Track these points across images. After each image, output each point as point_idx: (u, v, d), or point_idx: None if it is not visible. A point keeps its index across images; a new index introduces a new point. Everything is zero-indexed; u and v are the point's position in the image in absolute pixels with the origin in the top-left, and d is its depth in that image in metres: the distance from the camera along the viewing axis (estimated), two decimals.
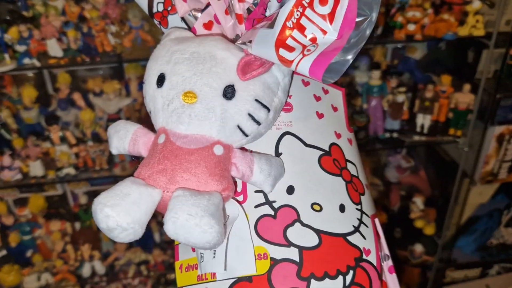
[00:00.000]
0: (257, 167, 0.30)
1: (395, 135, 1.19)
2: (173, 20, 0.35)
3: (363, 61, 1.16)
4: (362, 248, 0.33)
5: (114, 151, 0.33)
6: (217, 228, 0.26)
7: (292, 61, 0.28)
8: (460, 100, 1.16)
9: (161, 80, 0.31)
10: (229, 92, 0.29)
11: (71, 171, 1.10)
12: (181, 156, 0.29)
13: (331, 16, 0.28)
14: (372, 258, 0.33)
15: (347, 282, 0.31)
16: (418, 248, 1.41)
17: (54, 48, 0.97)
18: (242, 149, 0.32)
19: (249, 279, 0.29)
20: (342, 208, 0.33)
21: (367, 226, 0.34)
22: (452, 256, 1.53)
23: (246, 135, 0.31)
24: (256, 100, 0.30)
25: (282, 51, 0.28)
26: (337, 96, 0.38)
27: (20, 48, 0.97)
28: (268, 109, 0.31)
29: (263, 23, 0.29)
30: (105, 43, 0.98)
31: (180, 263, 0.32)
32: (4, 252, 1.24)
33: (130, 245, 1.30)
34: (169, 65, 0.30)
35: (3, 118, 1.06)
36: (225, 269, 0.29)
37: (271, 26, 0.28)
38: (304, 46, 0.28)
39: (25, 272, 1.24)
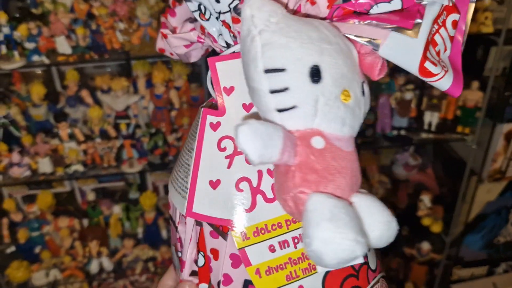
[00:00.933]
0: None
1: (402, 132, 1.19)
2: None
3: None
4: None
5: (257, 161, 0.25)
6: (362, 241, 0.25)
7: (435, 75, 0.28)
8: (468, 97, 1.15)
9: (317, 73, 0.26)
10: (363, 88, 0.28)
11: (79, 168, 1.11)
12: (349, 162, 0.27)
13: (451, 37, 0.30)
14: None
15: None
16: (425, 246, 1.41)
17: (63, 45, 0.98)
18: None
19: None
20: None
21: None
22: (459, 254, 1.52)
23: None
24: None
25: (428, 64, 0.28)
26: None
27: (29, 45, 0.98)
28: None
29: (369, 21, 0.28)
30: (114, 40, 0.99)
31: (255, 268, 0.30)
32: (13, 249, 1.25)
33: (138, 242, 1.31)
34: (323, 56, 0.26)
35: (12, 115, 1.07)
36: None
37: (398, 30, 0.27)
38: (438, 61, 0.29)
39: (34, 268, 1.25)
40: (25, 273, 1.24)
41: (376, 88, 1.16)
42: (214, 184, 0.30)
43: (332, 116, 0.26)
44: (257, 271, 0.30)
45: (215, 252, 0.31)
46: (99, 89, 1.14)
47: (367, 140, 1.18)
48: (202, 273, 0.32)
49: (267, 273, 0.29)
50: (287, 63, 0.26)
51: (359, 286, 0.31)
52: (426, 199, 1.34)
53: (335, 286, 0.30)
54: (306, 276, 0.29)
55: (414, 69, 0.28)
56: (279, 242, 0.30)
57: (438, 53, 0.29)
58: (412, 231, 1.38)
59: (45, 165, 1.09)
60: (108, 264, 1.27)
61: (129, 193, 1.30)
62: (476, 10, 1.03)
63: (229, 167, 0.30)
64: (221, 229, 0.30)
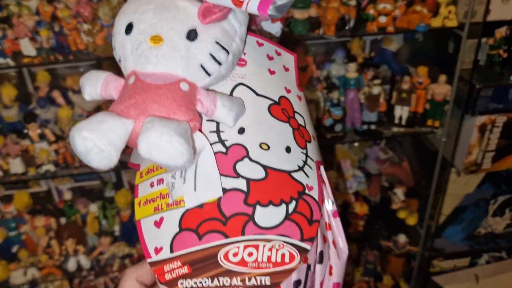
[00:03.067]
0: (220, 103, 0.34)
1: (372, 127, 1.20)
2: None
3: (340, 54, 1.17)
4: (305, 184, 0.36)
5: (88, 97, 0.35)
6: (186, 146, 0.30)
7: (242, 2, 0.32)
8: (436, 91, 1.16)
9: (129, 28, 0.34)
10: (192, 35, 0.33)
11: (51, 167, 1.12)
12: (151, 91, 0.32)
13: None
14: (314, 193, 0.36)
15: (290, 210, 0.34)
16: (402, 238, 1.42)
17: (28, 47, 0.99)
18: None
19: (200, 205, 0.33)
20: (288, 150, 0.37)
21: (311, 168, 0.37)
22: (439, 246, 1.54)
23: (209, 75, 0.34)
24: (217, 42, 0.34)
25: None
26: (289, 59, 0.42)
27: None
28: (228, 52, 0.35)
29: None
30: (78, 41, 1.00)
31: (139, 200, 0.36)
32: None
33: (115, 240, 1.32)
34: (136, 14, 0.34)
35: None
36: (195, 190, 0.33)
37: None
38: None
39: (12, 267, 1.27)
40: (3, 272, 1.26)
41: (344, 84, 1.17)
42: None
43: (140, 58, 0.33)
44: (139, 203, 0.35)
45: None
46: (71, 90, 1.15)
47: (337, 135, 1.19)
48: None
49: (144, 204, 0.35)
50: (116, 27, 0.35)
51: (223, 232, 0.32)
52: (399, 192, 1.35)
53: (192, 224, 0.33)
54: (168, 210, 0.33)
55: (229, 3, 0.33)
56: (157, 179, 0.35)
57: None
58: (388, 224, 1.39)
59: (16, 166, 1.10)
60: (85, 261, 1.29)
61: (104, 192, 1.32)
62: (440, 4, 1.04)
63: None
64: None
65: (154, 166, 0.36)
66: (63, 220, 1.30)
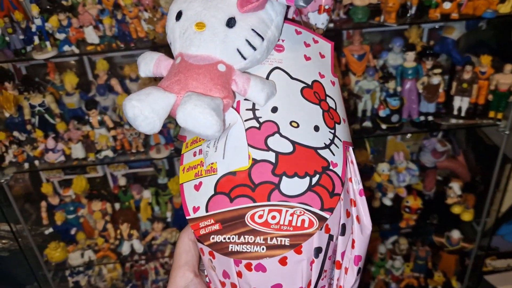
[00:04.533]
0: (253, 83, 0.38)
1: (430, 118, 1.16)
2: None
3: (397, 42, 1.13)
4: (330, 161, 0.39)
5: (142, 74, 0.40)
6: (216, 119, 0.34)
7: None
8: (501, 81, 1.11)
9: (179, 15, 0.38)
10: (231, 22, 0.37)
11: (109, 153, 1.15)
12: (192, 70, 0.37)
13: None
14: (338, 170, 0.39)
15: (313, 182, 0.38)
16: (456, 234, 1.38)
17: (91, 35, 1.02)
18: None
19: (233, 173, 0.37)
20: (316, 128, 0.40)
21: (337, 147, 0.40)
22: (493, 244, 1.48)
23: (245, 58, 0.38)
24: (253, 30, 0.38)
25: None
26: (326, 47, 0.45)
27: (60, 36, 1.02)
28: (262, 38, 0.38)
29: None
30: (139, 29, 1.01)
31: (183, 167, 0.41)
32: (51, 230, 1.32)
33: (167, 226, 1.35)
34: (185, 3, 0.38)
35: (47, 103, 1.12)
36: (224, 158, 0.37)
37: None
38: None
39: (70, 249, 1.32)
40: (62, 253, 1.31)
41: (402, 73, 1.14)
42: None
43: (186, 41, 0.37)
44: (183, 169, 0.41)
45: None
46: (128, 78, 1.18)
47: (394, 125, 1.16)
48: None
49: (187, 170, 0.40)
50: (170, 14, 0.40)
51: (251, 196, 0.37)
52: (455, 187, 1.30)
53: (225, 189, 0.37)
54: (206, 176, 0.38)
55: None
56: (199, 149, 0.40)
57: None
58: (442, 219, 1.34)
59: (77, 151, 1.14)
60: (138, 246, 1.32)
61: (158, 179, 1.34)
62: None
63: None
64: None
65: (197, 137, 0.40)
66: (117, 206, 1.34)
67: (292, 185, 0.37)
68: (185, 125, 0.34)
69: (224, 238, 0.37)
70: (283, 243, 0.36)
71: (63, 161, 1.15)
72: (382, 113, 1.15)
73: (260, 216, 0.36)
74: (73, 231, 1.33)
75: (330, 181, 0.38)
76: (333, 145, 0.40)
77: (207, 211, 0.37)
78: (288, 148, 0.38)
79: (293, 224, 0.36)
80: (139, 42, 1.03)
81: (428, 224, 1.35)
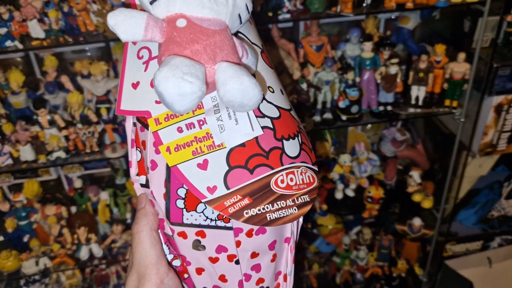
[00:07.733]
0: (248, 49, 0.38)
1: (389, 108, 1.17)
2: None
3: (355, 33, 1.13)
4: (298, 120, 0.43)
5: (124, 38, 0.34)
6: (260, 88, 0.34)
7: None
8: (455, 69, 1.13)
9: None
10: None
11: (61, 154, 1.09)
12: (215, 36, 0.35)
13: None
14: (302, 126, 0.43)
15: (300, 141, 0.41)
16: (417, 222, 1.40)
17: (36, 29, 0.95)
18: None
19: (243, 145, 0.37)
20: (282, 92, 0.42)
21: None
22: (452, 230, 1.52)
23: (241, 23, 0.38)
24: None
25: None
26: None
27: (1, 31, 0.95)
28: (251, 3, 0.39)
29: None
30: (88, 22, 0.96)
31: (166, 146, 0.36)
32: (1, 238, 1.24)
33: (127, 227, 1.30)
34: None
35: None
36: (253, 129, 0.36)
37: None
38: None
39: (23, 257, 1.25)
40: (14, 262, 1.24)
41: (360, 64, 1.14)
42: (135, 85, 0.38)
43: (193, 1, 0.35)
44: (168, 149, 0.36)
45: (143, 144, 0.39)
46: (79, 74, 1.12)
47: (353, 116, 1.16)
48: (140, 166, 0.40)
49: (176, 149, 0.36)
50: None
51: (268, 164, 0.37)
52: (415, 175, 1.33)
53: (240, 162, 0.36)
54: (211, 152, 0.36)
55: None
56: (186, 124, 0.36)
57: None
58: (403, 207, 1.37)
59: (26, 153, 1.07)
60: (97, 250, 1.27)
61: (116, 179, 1.29)
62: None
63: (145, 70, 0.38)
64: (146, 122, 0.37)
65: (170, 112, 0.36)
66: (73, 209, 1.28)
67: (291, 147, 0.39)
68: (241, 99, 0.33)
69: (259, 210, 0.37)
70: (306, 200, 0.39)
71: (10, 164, 1.08)
72: (341, 104, 1.15)
73: (282, 181, 0.38)
74: (26, 238, 1.25)
75: (305, 137, 0.42)
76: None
77: (228, 188, 0.36)
78: (275, 112, 0.39)
79: (306, 181, 0.39)
80: (88, 36, 0.98)
81: (390, 213, 1.37)
